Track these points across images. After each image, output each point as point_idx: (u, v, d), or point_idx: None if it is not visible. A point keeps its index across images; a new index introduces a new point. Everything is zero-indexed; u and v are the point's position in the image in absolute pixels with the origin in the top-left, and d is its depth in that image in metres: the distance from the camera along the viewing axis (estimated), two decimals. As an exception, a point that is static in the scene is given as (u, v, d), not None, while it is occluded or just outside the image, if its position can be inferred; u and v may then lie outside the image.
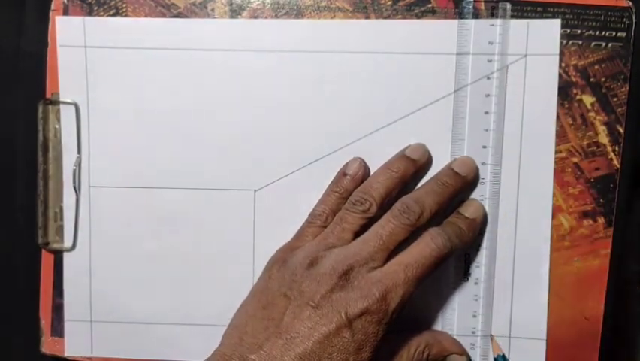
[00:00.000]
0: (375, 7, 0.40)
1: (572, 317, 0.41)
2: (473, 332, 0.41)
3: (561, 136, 0.40)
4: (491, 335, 0.41)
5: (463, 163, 0.39)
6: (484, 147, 0.40)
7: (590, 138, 0.40)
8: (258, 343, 0.34)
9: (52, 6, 0.40)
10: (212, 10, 0.40)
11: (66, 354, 0.43)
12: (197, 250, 0.42)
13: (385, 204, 0.38)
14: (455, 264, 0.41)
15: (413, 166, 0.39)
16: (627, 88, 0.39)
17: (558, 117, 0.40)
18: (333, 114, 0.40)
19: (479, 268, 0.41)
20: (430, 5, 0.39)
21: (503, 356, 0.40)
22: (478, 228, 0.40)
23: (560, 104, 0.39)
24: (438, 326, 0.41)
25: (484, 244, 0.40)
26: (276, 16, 0.40)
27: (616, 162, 0.40)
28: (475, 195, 0.40)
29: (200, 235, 0.41)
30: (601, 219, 0.40)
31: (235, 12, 0.40)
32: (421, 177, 0.40)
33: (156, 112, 0.41)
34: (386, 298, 0.35)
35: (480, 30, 0.39)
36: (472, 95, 0.39)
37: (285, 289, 0.36)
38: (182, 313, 0.42)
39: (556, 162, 0.40)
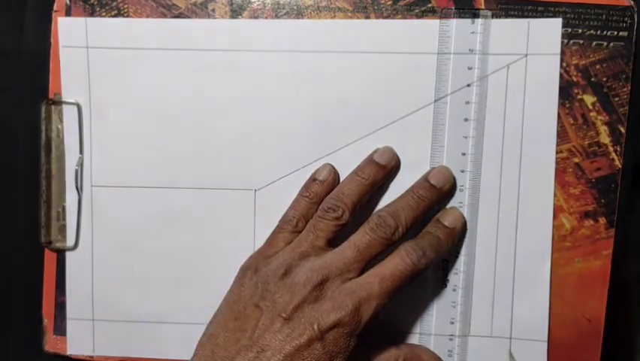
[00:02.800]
0: (376, 7, 0.40)
1: (574, 317, 0.40)
2: (450, 339, 0.41)
3: (562, 136, 0.40)
4: None
5: (438, 174, 0.39)
6: (464, 154, 0.40)
7: (591, 137, 0.39)
8: (230, 356, 0.34)
9: (55, 7, 0.40)
10: (213, 10, 0.40)
11: (68, 352, 0.43)
12: (198, 249, 0.42)
13: (357, 211, 0.38)
14: (434, 271, 0.41)
15: (382, 171, 0.39)
16: (629, 88, 0.39)
17: (559, 117, 0.39)
18: (333, 114, 0.40)
19: (457, 275, 0.40)
20: (430, 5, 0.39)
21: None
22: (457, 237, 0.39)
23: (561, 104, 0.39)
24: (416, 332, 0.41)
25: (463, 251, 0.40)
26: (277, 17, 0.40)
27: (617, 162, 0.39)
28: (454, 202, 0.40)
29: (200, 234, 0.42)
30: (602, 220, 0.40)
31: (236, 12, 0.40)
32: (392, 179, 0.40)
33: (157, 112, 0.41)
34: (359, 309, 0.35)
35: (460, 37, 0.39)
36: (451, 103, 0.39)
37: (257, 299, 0.36)
38: (183, 312, 0.42)
39: (557, 162, 0.40)
